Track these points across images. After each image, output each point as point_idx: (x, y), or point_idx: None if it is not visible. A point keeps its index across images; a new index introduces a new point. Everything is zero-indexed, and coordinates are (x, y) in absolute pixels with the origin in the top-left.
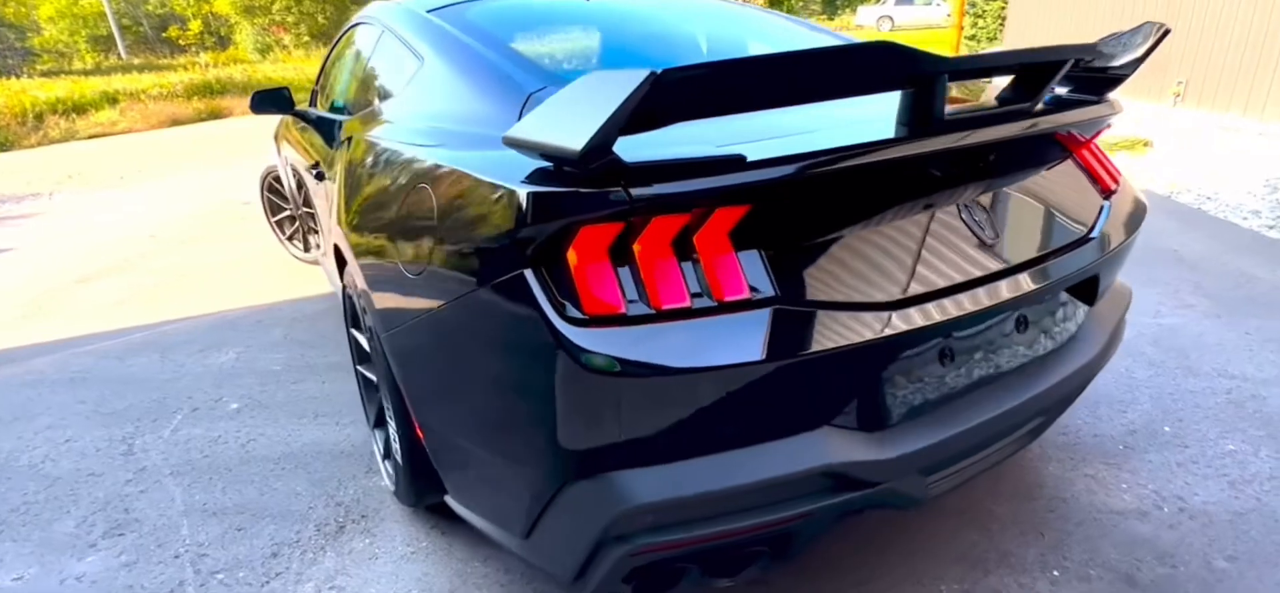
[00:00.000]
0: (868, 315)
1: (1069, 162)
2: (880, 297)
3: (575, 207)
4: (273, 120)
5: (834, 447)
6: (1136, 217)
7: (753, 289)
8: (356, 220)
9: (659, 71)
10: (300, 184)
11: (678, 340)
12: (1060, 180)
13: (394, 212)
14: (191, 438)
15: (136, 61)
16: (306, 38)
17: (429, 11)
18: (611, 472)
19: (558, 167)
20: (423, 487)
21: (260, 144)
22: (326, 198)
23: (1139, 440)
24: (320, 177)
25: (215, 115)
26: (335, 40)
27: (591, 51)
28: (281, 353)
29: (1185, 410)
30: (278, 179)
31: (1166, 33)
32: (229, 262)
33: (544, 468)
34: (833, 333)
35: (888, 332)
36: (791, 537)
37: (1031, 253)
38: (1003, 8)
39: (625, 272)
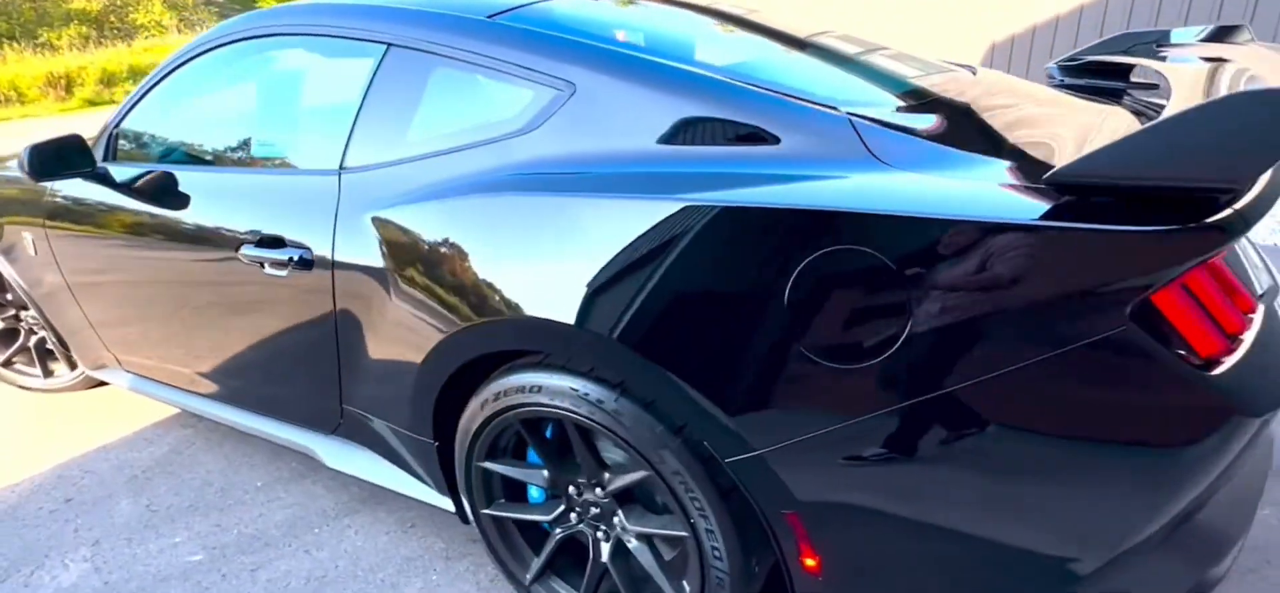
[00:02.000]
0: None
1: None
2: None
3: (1206, 245)
4: None
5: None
6: None
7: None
8: (619, 316)
9: None
10: (43, 286)
11: (1263, 363)
12: None
13: (776, 294)
14: None
15: None
16: None
17: (491, 17)
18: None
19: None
20: None
21: None
22: (337, 294)
23: None
24: (307, 264)
25: None
26: (171, 66)
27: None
28: (175, 534)
29: None
30: None
31: None
32: None
33: (1125, 532)
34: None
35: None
36: None
37: None
38: None
39: (1196, 305)
